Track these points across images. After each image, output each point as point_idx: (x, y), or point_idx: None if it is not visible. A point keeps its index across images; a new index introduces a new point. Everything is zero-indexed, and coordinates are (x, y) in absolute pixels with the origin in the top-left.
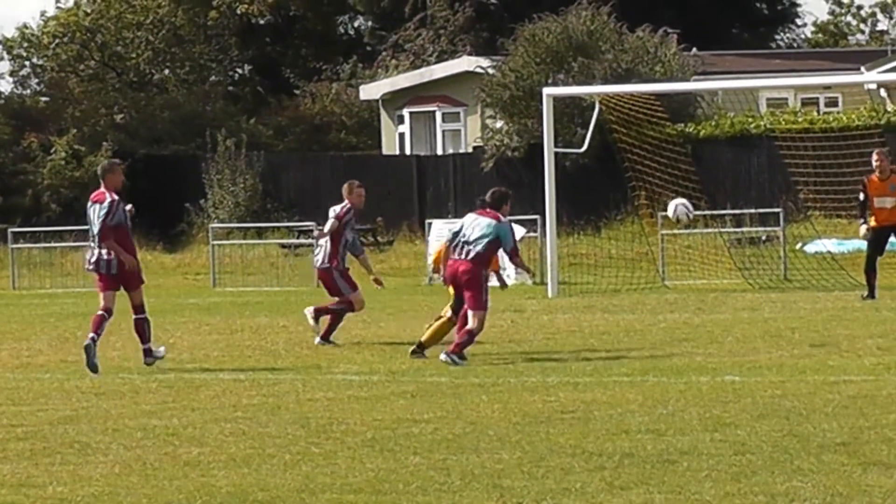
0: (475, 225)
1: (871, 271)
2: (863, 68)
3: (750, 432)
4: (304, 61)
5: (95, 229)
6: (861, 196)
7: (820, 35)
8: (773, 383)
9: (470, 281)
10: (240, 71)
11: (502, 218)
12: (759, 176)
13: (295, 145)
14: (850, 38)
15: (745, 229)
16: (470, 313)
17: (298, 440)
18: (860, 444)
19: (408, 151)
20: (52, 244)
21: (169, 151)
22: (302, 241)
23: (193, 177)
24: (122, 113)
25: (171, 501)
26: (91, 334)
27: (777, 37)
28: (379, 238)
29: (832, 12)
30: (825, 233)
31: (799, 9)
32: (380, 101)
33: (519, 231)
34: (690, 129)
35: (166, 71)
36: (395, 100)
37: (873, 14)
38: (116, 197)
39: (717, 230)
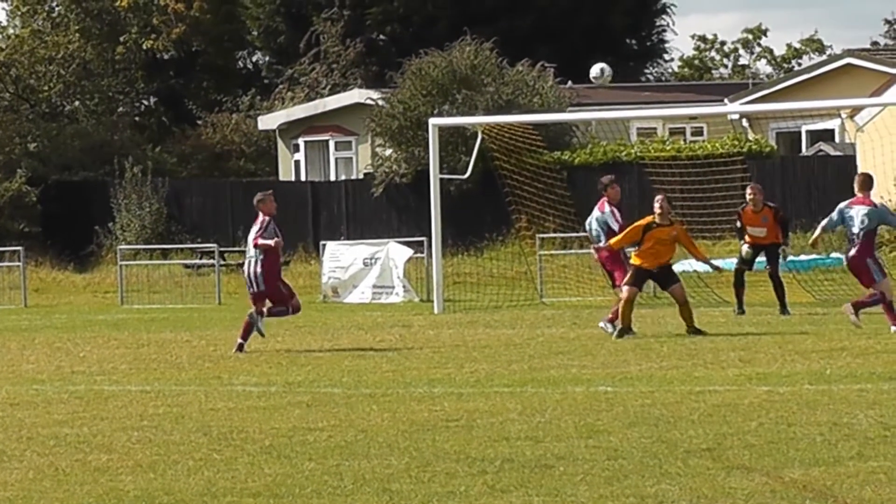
0: (856, 215)
1: (739, 286)
2: (726, 100)
3: (622, 439)
4: (205, 93)
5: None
6: (738, 223)
7: (686, 69)
8: (643, 393)
9: (861, 266)
10: (146, 102)
11: (876, 203)
12: (629, 200)
13: (197, 172)
14: (714, 71)
15: None
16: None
17: (201, 447)
18: (724, 449)
19: (303, 178)
20: None
21: (79, 178)
22: (204, 261)
23: (102, 201)
24: (36, 142)
25: None
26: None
27: (646, 71)
28: None
29: (697, 48)
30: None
31: (666, 44)
32: (276, 131)
33: (406, 252)
34: (566, 157)
35: (77, 102)
36: (291, 129)
37: (735, 49)
38: (269, 218)
39: (591, 250)
